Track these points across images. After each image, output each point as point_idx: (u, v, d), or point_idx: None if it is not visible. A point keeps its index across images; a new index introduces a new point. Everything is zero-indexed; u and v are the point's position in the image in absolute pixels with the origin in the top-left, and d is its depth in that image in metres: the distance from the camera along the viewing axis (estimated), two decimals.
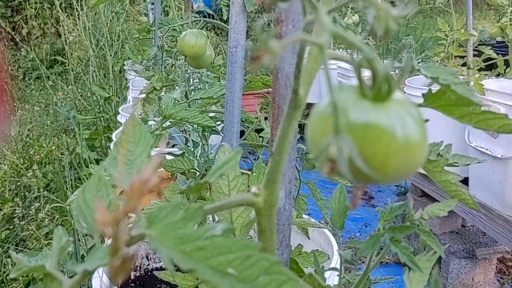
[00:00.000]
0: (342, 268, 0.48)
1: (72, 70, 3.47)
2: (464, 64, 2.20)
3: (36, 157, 3.37)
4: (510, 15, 2.12)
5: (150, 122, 1.00)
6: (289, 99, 0.33)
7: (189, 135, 1.25)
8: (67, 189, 2.84)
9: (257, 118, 0.93)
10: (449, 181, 0.44)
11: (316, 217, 2.61)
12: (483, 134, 1.84)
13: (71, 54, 3.68)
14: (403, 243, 0.41)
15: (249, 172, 0.96)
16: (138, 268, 1.00)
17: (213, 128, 0.95)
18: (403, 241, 0.41)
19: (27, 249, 2.36)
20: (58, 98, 3.88)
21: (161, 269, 0.99)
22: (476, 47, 2.28)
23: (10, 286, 2.08)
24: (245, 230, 0.49)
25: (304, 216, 0.87)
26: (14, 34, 5.87)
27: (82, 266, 0.27)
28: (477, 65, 2.07)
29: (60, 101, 3.87)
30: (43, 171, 3.15)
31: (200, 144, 1.06)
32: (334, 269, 0.51)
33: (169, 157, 1.00)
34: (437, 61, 2.18)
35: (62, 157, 3.21)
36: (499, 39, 2.94)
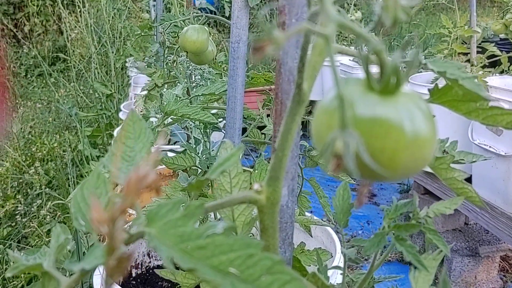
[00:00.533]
0: (346, 267, 0.47)
1: (74, 67, 3.46)
2: (467, 61, 2.19)
3: (38, 154, 3.37)
4: None
5: (152, 119, 1.00)
6: (293, 94, 0.32)
7: (191, 132, 1.25)
8: (69, 186, 2.84)
9: (259, 115, 0.92)
10: (455, 178, 0.44)
11: (319, 215, 2.61)
12: (487, 132, 1.83)
13: (73, 51, 3.67)
14: (408, 242, 0.41)
15: (251, 169, 0.95)
16: (140, 266, 1.00)
17: (215, 125, 0.94)
18: (408, 239, 0.41)
19: (29, 246, 2.36)
20: (60, 95, 3.88)
21: (162, 267, 0.99)
22: (480, 44, 2.26)
23: (12, 283, 2.08)
24: (247, 228, 0.48)
25: (307, 213, 0.86)
26: (16, 31, 5.87)
27: (80, 265, 0.26)
28: (481, 62, 2.06)
29: (62, 98, 3.86)
30: (45, 168, 3.15)
31: (202, 141, 1.05)
32: (337, 267, 0.50)
33: (170, 154, 0.99)
34: (441, 58, 2.17)
35: (64, 154, 3.21)
36: (502, 36, 2.93)
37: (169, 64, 1.60)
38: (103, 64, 3.32)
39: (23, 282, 2.05)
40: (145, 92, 1.75)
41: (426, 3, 2.63)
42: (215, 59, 0.91)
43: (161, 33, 1.19)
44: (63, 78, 4.43)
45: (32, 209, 2.63)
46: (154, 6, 2.47)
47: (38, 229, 2.36)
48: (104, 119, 2.98)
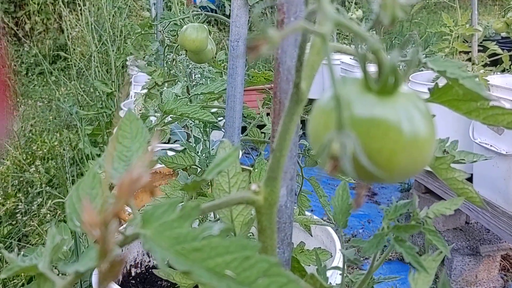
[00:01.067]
0: (345, 267, 0.47)
1: (74, 66, 3.46)
2: (468, 60, 2.18)
3: (39, 152, 3.36)
4: None
5: (151, 118, 0.99)
6: (291, 93, 0.32)
7: (190, 130, 1.24)
8: (69, 185, 2.84)
9: (259, 114, 0.92)
10: (456, 178, 0.43)
11: (319, 214, 2.61)
12: (488, 131, 1.82)
13: (74, 49, 3.67)
14: (408, 243, 0.40)
15: (251, 169, 0.95)
16: (139, 265, 1.00)
17: (215, 124, 0.94)
18: (407, 240, 0.40)
19: (30, 244, 2.36)
20: (60, 93, 3.88)
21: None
22: (481, 42, 2.25)
23: (12, 281, 2.08)
24: (246, 228, 0.48)
25: (306, 213, 0.86)
26: (17, 30, 5.87)
27: (74, 267, 0.26)
28: (482, 61, 2.05)
29: (62, 97, 3.86)
30: (46, 166, 3.15)
31: (202, 140, 1.05)
32: (336, 268, 0.50)
33: (170, 153, 0.99)
34: (441, 57, 2.16)
35: (65, 153, 3.20)
36: (503, 34, 2.92)
37: (169, 62, 1.60)
38: (103, 62, 3.32)
39: (23, 280, 2.05)
40: (145, 91, 1.74)
41: (427, 1, 2.62)
42: (215, 57, 0.91)
43: (160, 31, 1.19)
44: (63, 76, 4.43)
45: (33, 207, 2.63)
46: (154, 4, 2.47)
47: (39, 228, 2.36)
48: (104, 118, 2.98)
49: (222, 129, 1.01)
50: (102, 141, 2.79)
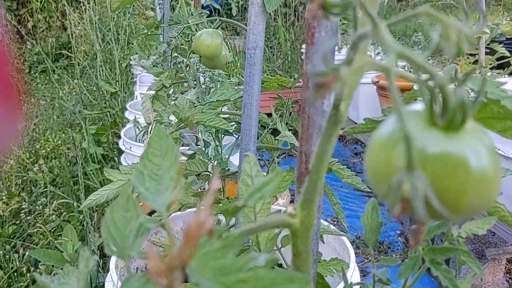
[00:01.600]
0: (375, 285, 0.46)
1: (78, 65, 3.45)
2: (475, 62, 2.17)
3: (42, 151, 3.36)
4: None
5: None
6: (329, 114, 0.31)
7: (200, 134, 1.23)
8: (73, 184, 2.83)
9: (272, 120, 0.91)
10: None
11: (323, 216, 2.60)
12: (496, 134, 1.81)
13: (77, 48, 3.66)
14: (444, 266, 0.39)
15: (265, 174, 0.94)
16: None
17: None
18: (443, 263, 0.40)
19: (34, 244, 2.35)
20: (64, 92, 3.87)
21: None
22: (488, 44, 2.24)
23: (18, 281, 2.07)
24: (270, 243, 0.47)
25: (323, 222, 0.85)
26: (20, 28, 5.86)
27: None
28: (490, 64, 2.05)
29: (66, 95, 3.86)
30: (49, 165, 3.14)
31: (214, 145, 1.04)
32: (361, 284, 0.49)
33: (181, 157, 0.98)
34: (448, 59, 2.15)
35: (68, 152, 3.20)
36: (508, 36, 2.90)
37: (177, 64, 1.59)
38: (107, 61, 3.31)
39: (28, 280, 2.05)
40: (151, 92, 1.73)
41: (434, 2, 2.61)
42: (228, 62, 0.90)
43: (175, 37, 1.18)
44: (66, 74, 4.42)
45: (37, 207, 2.62)
46: (160, 4, 2.46)
47: (43, 227, 2.35)
48: (108, 117, 2.97)
49: (234, 134, 1.01)
50: (107, 141, 2.78)
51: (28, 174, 3.06)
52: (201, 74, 1.21)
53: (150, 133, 0.84)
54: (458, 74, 0.34)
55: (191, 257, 0.20)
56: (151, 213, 1.48)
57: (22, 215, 2.58)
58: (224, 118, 0.90)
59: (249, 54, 0.70)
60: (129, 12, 3.14)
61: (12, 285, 2.05)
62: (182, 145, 1.54)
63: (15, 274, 2.09)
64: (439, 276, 0.40)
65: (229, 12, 6.30)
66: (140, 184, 0.34)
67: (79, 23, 3.89)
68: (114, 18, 3.05)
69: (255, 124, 0.73)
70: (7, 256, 2.19)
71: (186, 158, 1.03)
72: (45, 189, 2.81)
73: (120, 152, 2.92)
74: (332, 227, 0.81)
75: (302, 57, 3.83)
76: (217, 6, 3.98)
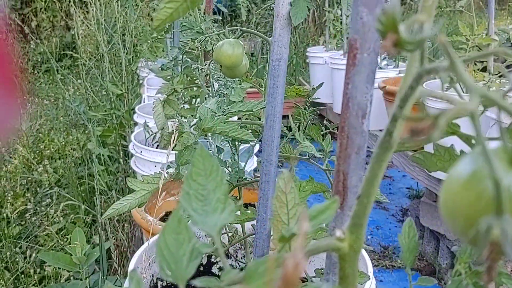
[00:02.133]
0: None
1: (84, 65, 3.45)
2: (483, 69, 2.17)
3: (47, 151, 3.36)
4: None
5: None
6: (381, 140, 0.31)
7: (212, 139, 1.24)
8: (79, 185, 2.83)
9: (290, 131, 0.91)
10: None
11: None
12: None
13: (84, 50, 3.66)
14: None
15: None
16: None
17: None
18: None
19: (39, 245, 2.35)
20: (70, 93, 3.87)
21: None
22: None
23: (24, 282, 2.07)
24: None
25: None
26: (24, 27, 5.87)
27: None
28: (498, 71, 2.05)
29: (71, 96, 3.86)
30: (54, 166, 3.14)
31: (229, 152, 1.04)
32: None
33: None
34: None
35: (73, 153, 3.20)
36: None
37: (188, 68, 1.60)
38: (112, 62, 3.31)
39: (35, 281, 2.05)
40: (159, 95, 1.74)
41: (442, 9, 2.61)
42: (248, 72, 0.90)
43: (198, 48, 1.18)
44: (69, 74, 4.43)
45: (42, 208, 2.63)
46: None
47: (49, 228, 2.35)
48: (114, 119, 2.97)
49: (251, 142, 1.01)
50: (114, 142, 2.78)
51: (32, 174, 3.06)
52: (215, 81, 1.21)
53: (173, 141, 0.84)
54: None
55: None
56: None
57: (27, 216, 2.58)
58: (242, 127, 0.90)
59: (273, 66, 0.71)
60: (136, 14, 3.14)
61: (19, 286, 2.05)
62: None
63: (21, 275, 2.09)
64: None
65: (233, 14, 6.31)
66: (188, 205, 0.35)
67: (83, 23, 3.89)
68: (121, 20, 3.06)
69: (277, 135, 0.73)
70: (14, 258, 2.19)
71: None
72: (50, 190, 2.81)
73: (126, 154, 2.92)
74: None
75: (307, 60, 3.83)
76: (224, 9, 3.98)
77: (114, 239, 2.10)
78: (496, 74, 2.05)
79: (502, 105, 0.20)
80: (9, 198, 2.72)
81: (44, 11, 6.19)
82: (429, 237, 2.38)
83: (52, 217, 2.49)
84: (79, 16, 3.89)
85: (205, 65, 1.20)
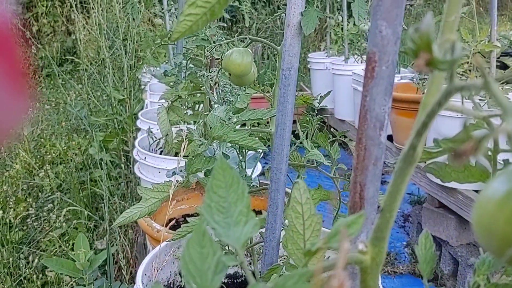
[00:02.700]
0: None
1: (85, 70, 3.46)
2: None
3: (48, 156, 3.36)
4: None
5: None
6: (405, 154, 0.31)
7: (217, 145, 1.24)
8: (80, 190, 2.83)
9: (298, 139, 0.91)
10: None
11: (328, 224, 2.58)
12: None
13: (86, 55, 3.67)
14: None
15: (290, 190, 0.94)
16: (172, 285, 0.99)
17: None
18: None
19: (41, 251, 2.35)
20: (71, 98, 3.88)
21: None
22: (498, 57, 2.26)
23: (26, 287, 2.07)
24: None
25: None
26: (25, 31, 5.88)
27: None
28: (501, 78, 2.05)
29: (72, 101, 3.86)
30: (55, 171, 3.14)
31: (236, 159, 1.04)
32: None
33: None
34: (460, 73, 2.16)
35: (75, 158, 3.20)
36: None
37: (192, 74, 1.60)
38: (114, 68, 3.32)
39: (37, 286, 2.05)
40: (163, 101, 1.74)
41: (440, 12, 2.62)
42: (256, 80, 0.91)
43: (207, 57, 1.18)
44: (70, 79, 4.43)
45: (44, 213, 2.62)
46: (169, 12, 2.46)
47: (52, 233, 2.35)
48: (115, 124, 2.97)
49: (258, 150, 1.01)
50: (117, 147, 2.78)
51: (34, 179, 3.06)
52: (221, 88, 1.21)
53: (184, 149, 0.85)
54: None
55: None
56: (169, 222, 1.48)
57: (29, 221, 2.58)
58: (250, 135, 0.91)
59: (283, 75, 0.71)
60: (134, 19, 3.15)
61: None
62: None
63: (24, 280, 2.09)
64: None
65: (233, 19, 6.32)
66: (210, 217, 0.35)
67: (84, 27, 3.90)
68: (123, 25, 3.06)
69: (287, 143, 0.73)
70: (16, 263, 2.19)
71: None
72: (52, 195, 2.81)
73: (128, 159, 2.92)
74: None
75: (308, 66, 3.84)
76: (225, 15, 3.99)
77: (117, 244, 2.10)
78: (500, 81, 2.05)
79: None
80: (11, 203, 2.71)
81: (45, 16, 6.20)
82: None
83: (54, 222, 2.49)
84: (81, 21, 3.90)
85: (211, 72, 1.20)
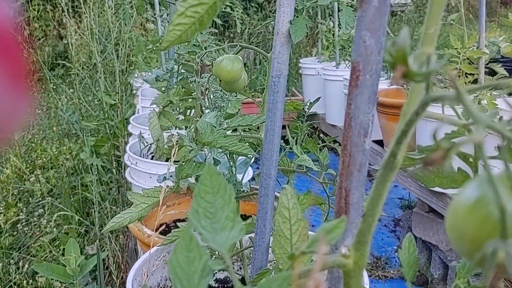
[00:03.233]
0: None
1: (77, 75, 3.45)
2: (475, 81, 2.20)
3: (39, 161, 3.35)
4: None
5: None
6: (386, 161, 0.32)
7: (208, 151, 1.25)
8: (71, 195, 2.82)
9: (288, 145, 0.92)
10: None
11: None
12: None
13: (78, 60, 3.66)
14: None
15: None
16: None
17: None
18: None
19: (31, 256, 2.34)
20: (62, 102, 3.87)
21: None
22: (487, 64, 2.28)
23: None
24: None
25: None
26: (16, 36, 5.84)
27: None
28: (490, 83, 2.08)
29: (63, 105, 3.85)
30: (46, 176, 3.13)
31: (226, 164, 1.05)
32: None
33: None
34: (446, 79, 2.18)
35: (66, 162, 3.19)
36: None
37: (184, 80, 1.61)
38: (105, 72, 3.32)
39: None
40: (154, 106, 1.75)
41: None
42: (246, 86, 0.92)
43: (198, 63, 1.19)
44: (61, 84, 4.42)
45: (34, 218, 2.61)
46: (161, 16, 2.47)
47: (42, 238, 2.34)
48: (107, 129, 2.97)
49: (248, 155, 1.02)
50: (108, 153, 2.78)
51: (25, 184, 3.04)
52: (212, 94, 1.22)
53: (175, 154, 0.85)
54: None
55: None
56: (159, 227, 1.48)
57: (20, 226, 2.57)
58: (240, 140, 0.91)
59: (272, 82, 0.72)
60: (126, 24, 3.15)
61: None
62: None
63: (14, 286, 2.08)
64: None
65: (226, 24, 6.33)
66: (197, 222, 0.36)
67: (76, 32, 3.89)
68: (115, 30, 3.06)
69: (276, 149, 0.74)
70: (6, 269, 2.18)
71: None
72: (42, 200, 2.80)
73: (119, 164, 2.92)
74: None
75: (300, 71, 3.86)
76: (217, 20, 3.99)
77: (107, 250, 2.10)
78: (488, 88, 2.07)
79: (507, 136, 0.21)
80: (1, 208, 2.70)
81: (36, 20, 6.18)
82: (421, 248, 2.39)
83: (44, 227, 2.48)
84: (72, 26, 3.89)
85: (202, 78, 1.21)
